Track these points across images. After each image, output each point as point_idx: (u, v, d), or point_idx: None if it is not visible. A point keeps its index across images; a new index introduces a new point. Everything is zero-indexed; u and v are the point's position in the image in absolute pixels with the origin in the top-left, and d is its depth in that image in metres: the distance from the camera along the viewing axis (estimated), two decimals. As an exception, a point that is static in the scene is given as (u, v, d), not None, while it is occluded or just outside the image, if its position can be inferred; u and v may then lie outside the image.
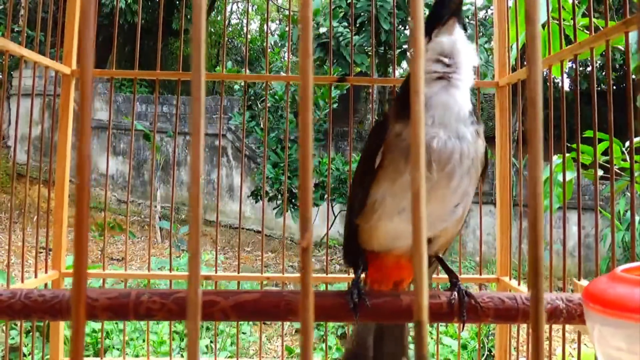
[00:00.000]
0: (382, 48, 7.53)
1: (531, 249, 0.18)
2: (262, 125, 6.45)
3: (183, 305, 0.60)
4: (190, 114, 0.22)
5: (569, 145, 1.49)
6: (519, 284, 1.35)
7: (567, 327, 1.06)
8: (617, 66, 8.40)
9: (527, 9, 0.21)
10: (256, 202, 6.77)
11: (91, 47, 0.22)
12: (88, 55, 0.22)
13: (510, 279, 1.43)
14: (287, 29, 8.23)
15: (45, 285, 1.44)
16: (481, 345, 3.42)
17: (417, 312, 0.17)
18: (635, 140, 1.70)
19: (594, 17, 1.14)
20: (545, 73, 1.34)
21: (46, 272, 1.45)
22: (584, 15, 1.80)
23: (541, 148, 0.19)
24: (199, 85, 0.22)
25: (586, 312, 0.45)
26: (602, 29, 1.53)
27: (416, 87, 0.19)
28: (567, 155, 1.60)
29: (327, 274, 1.49)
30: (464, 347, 3.85)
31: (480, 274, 1.53)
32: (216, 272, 1.50)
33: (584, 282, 0.92)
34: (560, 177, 1.70)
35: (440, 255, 0.89)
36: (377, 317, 0.58)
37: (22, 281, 1.33)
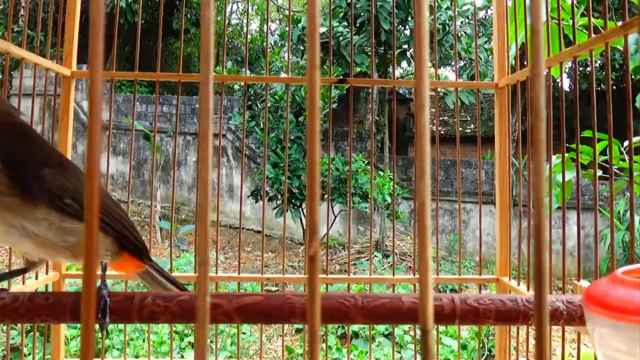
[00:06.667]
0: (382, 48, 7.53)
1: (536, 254, 0.18)
2: (262, 126, 6.45)
3: (186, 308, 0.60)
4: (199, 121, 0.22)
5: (567, 145, 1.49)
6: (518, 284, 1.35)
7: (567, 327, 1.07)
8: (617, 66, 8.40)
9: (532, 9, 0.22)
10: (256, 202, 6.77)
11: (101, 57, 0.23)
12: (98, 63, 0.22)
13: (509, 279, 1.44)
14: (287, 28, 8.23)
15: (46, 286, 1.45)
16: (481, 345, 3.43)
17: (422, 318, 0.18)
18: (635, 139, 1.71)
19: (593, 16, 1.14)
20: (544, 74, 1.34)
21: (47, 273, 1.46)
22: (582, 15, 1.81)
23: (544, 155, 0.19)
24: (207, 96, 0.22)
25: (587, 314, 0.46)
26: (601, 28, 1.54)
27: (421, 102, 0.19)
28: (566, 155, 1.61)
29: (327, 275, 1.50)
30: (463, 347, 3.85)
31: (480, 274, 1.53)
32: (217, 273, 1.50)
33: (583, 283, 0.92)
34: (559, 177, 1.71)
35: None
36: (377, 319, 0.59)
37: (23, 282, 1.33)
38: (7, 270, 1.00)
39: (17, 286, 1.29)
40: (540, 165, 0.18)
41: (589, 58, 1.12)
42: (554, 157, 1.55)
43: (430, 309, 0.18)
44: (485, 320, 0.55)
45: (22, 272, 0.91)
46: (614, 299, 0.43)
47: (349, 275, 1.50)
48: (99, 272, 0.86)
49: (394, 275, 1.48)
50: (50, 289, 1.46)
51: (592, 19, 1.15)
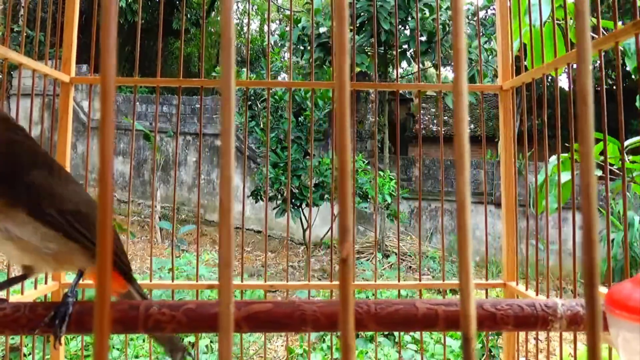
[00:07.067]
0: (382, 48, 7.52)
1: (586, 259, 0.17)
2: (262, 126, 6.43)
3: (193, 317, 0.59)
4: (220, 123, 0.21)
5: (567, 145, 1.48)
6: (526, 289, 1.32)
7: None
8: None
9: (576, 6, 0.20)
10: (256, 202, 6.75)
11: (113, 63, 0.21)
12: (110, 68, 0.21)
13: (517, 284, 1.41)
14: (287, 28, 8.22)
15: (45, 296, 1.43)
16: (481, 345, 3.41)
17: (464, 326, 0.16)
18: (634, 140, 1.70)
19: (593, 15, 1.13)
20: (550, 76, 1.33)
21: (46, 282, 1.44)
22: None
23: (593, 147, 0.18)
24: (228, 97, 0.21)
25: (610, 318, 0.44)
26: (601, 28, 1.53)
27: (459, 89, 0.18)
28: (565, 155, 1.60)
29: (331, 281, 1.48)
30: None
31: (487, 279, 1.49)
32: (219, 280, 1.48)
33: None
34: (562, 177, 1.70)
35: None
36: (390, 326, 0.57)
37: (22, 292, 1.32)
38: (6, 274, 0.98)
39: (15, 296, 1.27)
40: (590, 158, 0.17)
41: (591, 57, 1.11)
42: (553, 157, 1.54)
43: (473, 315, 0.16)
44: (504, 326, 0.54)
45: (21, 279, 0.89)
46: (638, 302, 0.42)
47: (353, 279, 1.48)
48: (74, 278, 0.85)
49: (399, 281, 1.47)
50: (49, 299, 1.45)
51: (591, 18, 1.14)
